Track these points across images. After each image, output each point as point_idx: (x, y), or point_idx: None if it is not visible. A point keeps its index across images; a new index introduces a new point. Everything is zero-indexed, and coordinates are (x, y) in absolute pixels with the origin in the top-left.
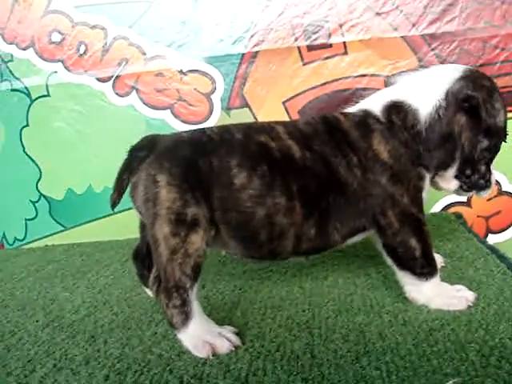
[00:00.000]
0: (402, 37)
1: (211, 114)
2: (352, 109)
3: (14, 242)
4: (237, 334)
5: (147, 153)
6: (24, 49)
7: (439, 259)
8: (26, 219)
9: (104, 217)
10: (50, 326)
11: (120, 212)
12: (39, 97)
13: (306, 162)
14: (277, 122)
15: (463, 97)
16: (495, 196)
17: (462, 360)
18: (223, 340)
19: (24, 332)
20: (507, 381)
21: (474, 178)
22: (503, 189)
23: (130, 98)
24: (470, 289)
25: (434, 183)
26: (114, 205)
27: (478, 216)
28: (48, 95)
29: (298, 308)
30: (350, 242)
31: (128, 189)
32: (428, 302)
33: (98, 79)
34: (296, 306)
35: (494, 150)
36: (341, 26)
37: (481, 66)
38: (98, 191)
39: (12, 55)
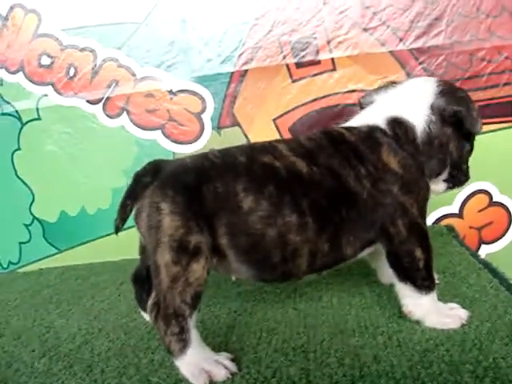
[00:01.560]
0: (389, 52)
1: (202, 133)
2: (351, 124)
3: (9, 265)
4: (233, 360)
5: (151, 179)
6: (13, 73)
7: (435, 276)
8: (19, 242)
9: (98, 238)
10: (47, 356)
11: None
12: (30, 120)
13: (314, 176)
14: (278, 141)
15: (450, 113)
16: (487, 207)
17: (456, 382)
18: (220, 368)
19: (20, 363)
20: None
21: (458, 176)
22: (494, 199)
23: (120, 120)
24: (464, 306)
25: None
26: (117, 230)
27: (470, 227)
28: (39, 118)
29: (293, 331)
30: (360, 257)
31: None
32: (423, 317)
33: (89, 101)
34: (291, 329)
35: (472, 149)
36: (328, 42)
37: (468, 78)
38: (91, 213)
39: (2, 79)
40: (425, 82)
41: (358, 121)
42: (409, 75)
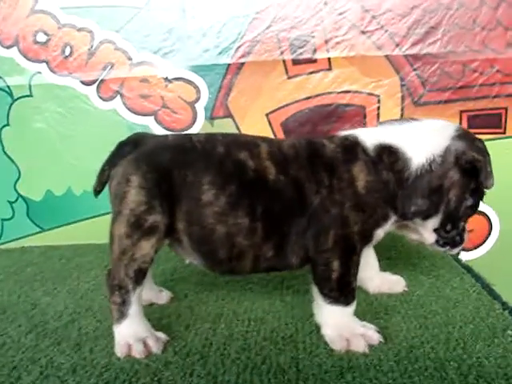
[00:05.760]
0: (385, 56)
1: (194, 122)
2: (343, 133)
3: None
4: (166, 342)
5: (131, 149)
6: (8, 47)
7: (402, 283)
8: (2, 219)
9: (82, 220)
10: (34, 332)
11: (98, 216)
12: (21, 96)
13: (277, 185)
14: (264, 139)
15: (468, 158)
16: None
17: (442, 378)
18: (141, 345)
19: (7, 337)
20: None
21: (453, 233)
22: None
23: (113, 103)
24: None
25: (406, 231)
26: (96, 193)
27: None
28: (30, 95)
29: (281, 321)
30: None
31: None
32: (322, 324)
33: (83, 82)
34: (279, 320)
35: (475, 208)
36: (326, 42)
37: (460, 88)
38: (78, 194)
39: None
40: (444, 124)
41: (352, 132)
42: (402, 80)
